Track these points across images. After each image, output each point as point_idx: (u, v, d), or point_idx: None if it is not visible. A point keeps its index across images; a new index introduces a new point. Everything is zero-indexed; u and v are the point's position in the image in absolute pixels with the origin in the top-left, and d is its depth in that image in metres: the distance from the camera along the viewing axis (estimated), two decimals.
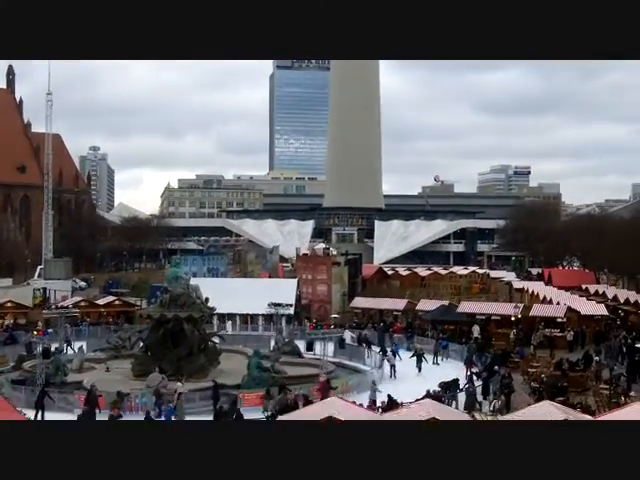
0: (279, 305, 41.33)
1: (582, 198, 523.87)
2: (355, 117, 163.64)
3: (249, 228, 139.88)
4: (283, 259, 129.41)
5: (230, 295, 48.44)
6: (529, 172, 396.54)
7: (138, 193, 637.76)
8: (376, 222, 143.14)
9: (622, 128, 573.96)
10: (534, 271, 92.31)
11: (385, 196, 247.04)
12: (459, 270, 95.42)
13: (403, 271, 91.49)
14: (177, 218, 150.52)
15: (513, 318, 46.39)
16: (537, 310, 48.63)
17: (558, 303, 51.08)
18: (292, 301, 47.33)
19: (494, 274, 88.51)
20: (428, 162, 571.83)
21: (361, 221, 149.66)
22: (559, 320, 47.02)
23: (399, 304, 52.91)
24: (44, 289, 67.95)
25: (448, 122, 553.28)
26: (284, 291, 47.77)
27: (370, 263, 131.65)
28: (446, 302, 51.64)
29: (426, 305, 51.46)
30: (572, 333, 45.29)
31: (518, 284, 70.38)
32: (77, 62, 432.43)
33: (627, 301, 55.97)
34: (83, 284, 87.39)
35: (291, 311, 44.92)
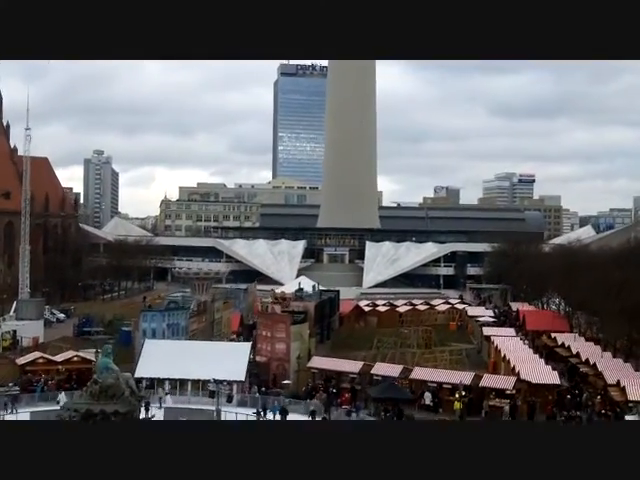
0: (220, 383, 41.42)
1: (589, 205, 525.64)
2: (351, 128, 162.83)
3: (240, 249, 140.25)
4: (273, 282, 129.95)
5: (183, 359, 48.62)
6: (534, 180, 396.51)
7: (149, 192, 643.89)
8: (367, 243, 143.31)
9: (634, 132, 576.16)
10: (515, 306, 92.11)
11: (385, 207, 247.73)
12: (438, 304, 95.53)
13: (381, 306, 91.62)
14: (168, 237, 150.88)
15: (456, 395, 46.36)
16: (487, 381, 48.58)
17: (513, 369, 51.15)
18: (243, 368, 47.46)
19: (472, 311, 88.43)
20: (439, 164, 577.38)
21: (353, 241, 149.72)
22: (508, 392, 47.02)
23: (355, 366, 52.79)
24: (14, 332, 68.26)
25: (460, 124, 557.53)
26: (235, 357, 47.86)
27: (360, 286, 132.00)
28: (400, 367, 51.56)
29: (381, 369, 51.31)
30: (507, 408, 45.27)
31: (488, 330, 70.26)
32: (92, 62, 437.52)
33: (587, 361, 55.86)
34: (61, 316, 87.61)
35: (233, 391, 45.02)
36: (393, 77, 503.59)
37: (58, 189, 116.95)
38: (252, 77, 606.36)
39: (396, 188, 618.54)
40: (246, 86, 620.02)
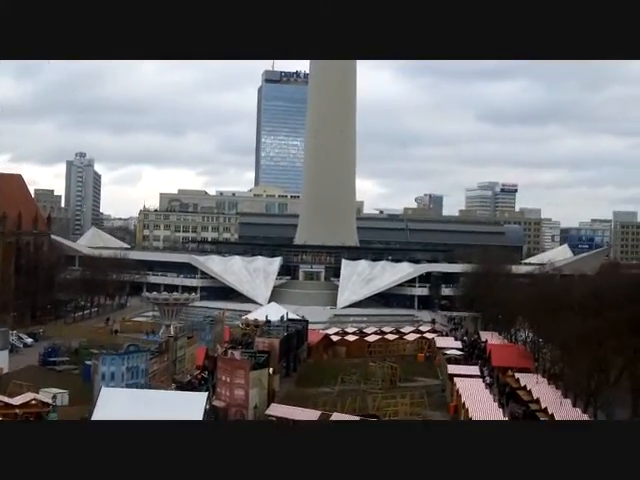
0: None
1: (574, 211, 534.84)
2: (331, 140, 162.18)
3: (215, 265, 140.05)
4: (248, 300, 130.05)
5: (139, 409, 48.38)
6: (516, 190, 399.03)
7: (136, 190, 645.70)
8: (343, 261, 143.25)
9: (622, 141, 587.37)
10: (484, 336, 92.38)
11: (365, 218, 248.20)
12: (408, 333, 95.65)
13: (351, 335, 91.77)
14: (144, 251, 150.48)
15: None
16: None
17: (470, 419, 51.39)
18: (198, 418, 47.31)
19: (440, 342, 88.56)
20: (428, 168, 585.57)
21: (329, 258, 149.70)
22: None
23: (312, 416, 52.64)
24: None
25: (452, 130, 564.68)
26: (191, 408, 47.68)
27: (334, 305, 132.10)
28: (356, 419, 51.52)
29: (339, 419, 51.35)
30: None
31: (453, 368, 70.45)
32: (86, 61, 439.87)
33: (545, 410, 56.15)
34: (29, 341, 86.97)
35: None
36: (386, 82, 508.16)
37: (31, 206, 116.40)
38: (245, 78, 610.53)
39: (383, 191, 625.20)
40: (239, 87, 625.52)
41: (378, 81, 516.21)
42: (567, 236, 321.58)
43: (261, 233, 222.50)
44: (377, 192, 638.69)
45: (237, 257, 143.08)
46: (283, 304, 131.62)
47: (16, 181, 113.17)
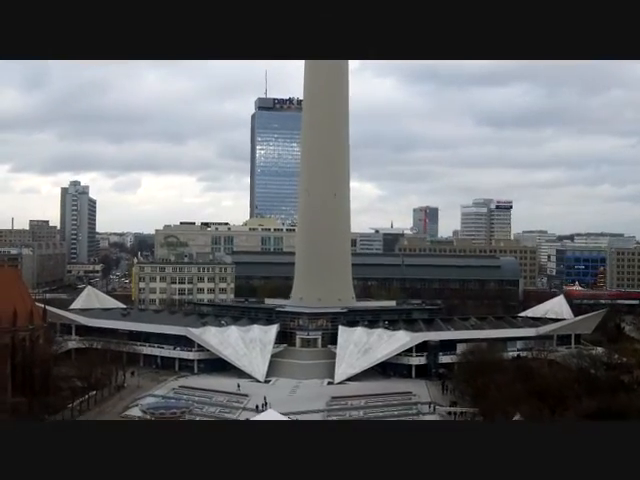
0: None
1: (567, 216, 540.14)
2: (325, 201, 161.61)
3: (211, 338, 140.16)
4: (245, 375, 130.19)
5: None
6: (511, 207, 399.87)
7: (135, 197, 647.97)
8: (340, 328, 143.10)
9: (618, 141, 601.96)
10: None
11: (362, 254, 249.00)
12: None
13: None
14: (138, 321, 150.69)
15: None
16: None
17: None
18: None
19: None
20: (427, 170, 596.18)
21: (326, 323, 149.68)
22: None
23: None
24: None
25: (450, 133, 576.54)
26: None
27: (332, 378, 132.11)
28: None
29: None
30: None
31: None
32: (87, 69, 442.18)
33: None
34: None
35: None
36: (388, 88, 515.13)
37: (27, 299, 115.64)
38: (245, 83, 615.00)
39: (382, 193, 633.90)
40: (239, 93, 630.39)
41: (381, 88, 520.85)
42: (563, 257, 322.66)
43: (257, 272, 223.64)
44: (376, 194, 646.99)
45: (233, 327, 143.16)
46: (281, 378, 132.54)
47: (10, 276, 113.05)
